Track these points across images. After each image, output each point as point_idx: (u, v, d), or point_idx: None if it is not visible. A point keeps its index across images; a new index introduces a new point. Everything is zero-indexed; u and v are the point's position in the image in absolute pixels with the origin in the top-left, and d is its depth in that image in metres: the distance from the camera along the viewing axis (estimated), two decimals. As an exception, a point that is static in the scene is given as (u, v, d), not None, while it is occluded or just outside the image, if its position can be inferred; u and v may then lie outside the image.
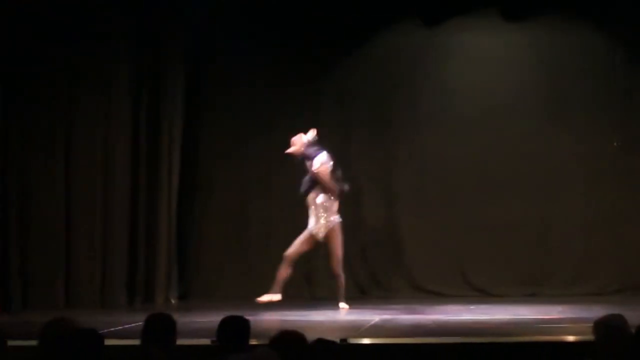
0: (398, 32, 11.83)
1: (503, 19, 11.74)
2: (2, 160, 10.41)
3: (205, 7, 11.49)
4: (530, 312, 9.34)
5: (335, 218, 10.11)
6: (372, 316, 9.17)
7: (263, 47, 11.62)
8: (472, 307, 10.02)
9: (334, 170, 10.14)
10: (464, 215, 11.61)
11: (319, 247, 10.31)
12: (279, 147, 10.40)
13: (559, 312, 9.29)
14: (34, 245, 10.50)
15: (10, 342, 4.84)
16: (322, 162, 10.12)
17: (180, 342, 4.86)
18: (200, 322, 8.24)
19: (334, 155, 10.25)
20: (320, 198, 10.08)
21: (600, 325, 4.74)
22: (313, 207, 10.09)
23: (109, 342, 4.65)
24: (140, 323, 4.85)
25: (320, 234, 10.08)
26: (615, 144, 11.54)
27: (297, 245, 10.09)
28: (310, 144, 10.16)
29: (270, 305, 9.83)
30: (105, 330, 7.21)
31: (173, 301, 11.41)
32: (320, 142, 10.22)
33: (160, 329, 4.75)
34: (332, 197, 10.09)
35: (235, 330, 4.80)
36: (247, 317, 4.90)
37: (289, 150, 10.18)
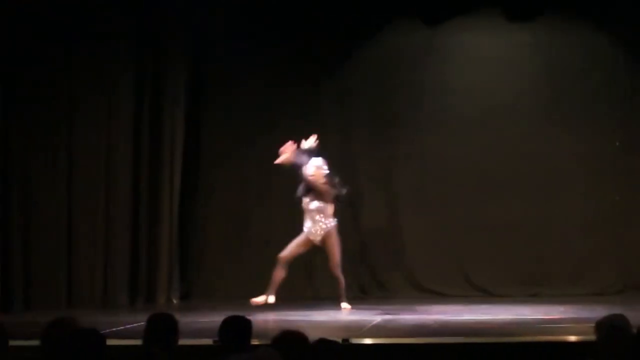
0: (398, 32, 11.82)
1: (503, 19, 11.74)
2: (3, 160, 10.40)
3: (205, 7, 11.48)
4: (532, 312, 9.33)
5: (331, 221, 10.09)
6: (374, 316, 9.18)
7: (263, 47, 11.60)
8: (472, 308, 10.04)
9: (330, 175, 10.12)
10: (465, 215, 11.61)
11: (317, 250, 10.30)
12: (279, 148, 10.39)
13: (560, 312, 9.28)
14: (35, 246, 10.49)
15: (12, 342, 4.83)
16: (317, 167, 10.09)
17: (182, 342, 4.86)
18: (202, 322, 8.25)
19: (334, 155, 10.24)
20: (316, 202, 10.07)
21: (602, 325, 4.73)
22: (309, 211, 10.08)
23: (110, 342, 4.65)
24: (142, 323, 4.86)
25: (317, 238, 10.07)
26: (617, 143, 11.55)
27: (292, 247, 10.08)
28: (306, 151, 10.14)
29: (271, 306, 9.82)
30: (107, 331, 7.20)
31: (175, 301, 11.41)
32: (321, 142, 10.20)
33: (162, 329, 4.76)
34: (328, 201, 10.07)
35: (237, 330, 4.80)
36: (249, 317, 4.90)
37: (278, 160, 10.13)
